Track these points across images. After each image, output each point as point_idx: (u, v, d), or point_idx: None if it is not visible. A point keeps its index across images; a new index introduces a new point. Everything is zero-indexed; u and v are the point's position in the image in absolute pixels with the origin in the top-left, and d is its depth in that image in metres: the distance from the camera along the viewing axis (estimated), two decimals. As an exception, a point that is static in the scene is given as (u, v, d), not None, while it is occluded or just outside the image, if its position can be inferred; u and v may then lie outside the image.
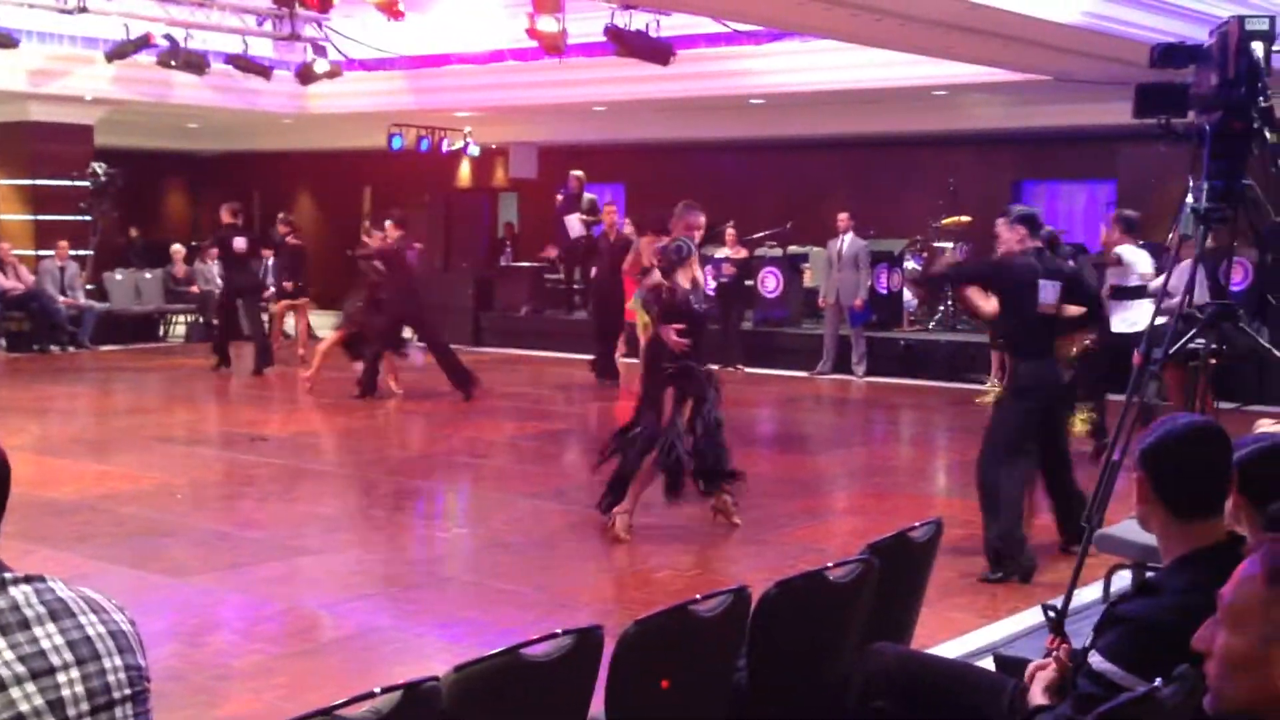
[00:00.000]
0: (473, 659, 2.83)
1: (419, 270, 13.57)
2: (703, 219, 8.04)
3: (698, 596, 3.23)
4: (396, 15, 14.05)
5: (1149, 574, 2.96)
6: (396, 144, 19.69)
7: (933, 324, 16.35)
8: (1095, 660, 2.73)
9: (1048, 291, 6.47)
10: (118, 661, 1.99)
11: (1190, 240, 4.50)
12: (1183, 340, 4.52)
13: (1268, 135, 4.35)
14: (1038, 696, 3.01)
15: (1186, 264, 5.08)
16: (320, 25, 16.96)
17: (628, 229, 14.89)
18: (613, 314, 14.66)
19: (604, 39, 13.28)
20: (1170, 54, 4.71)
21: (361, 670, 5.46)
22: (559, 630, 2.95)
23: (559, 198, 18.24)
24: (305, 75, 16.92)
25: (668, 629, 3.12)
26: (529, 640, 2.92)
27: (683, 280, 7.74)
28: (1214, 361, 4.63)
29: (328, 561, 7.18)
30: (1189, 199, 4.47)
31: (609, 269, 14.74)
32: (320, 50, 17.01)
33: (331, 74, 16.97)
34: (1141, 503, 2.85)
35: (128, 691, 2.00)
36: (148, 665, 2.05)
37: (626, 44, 13.26)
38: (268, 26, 16.39)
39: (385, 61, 18.07)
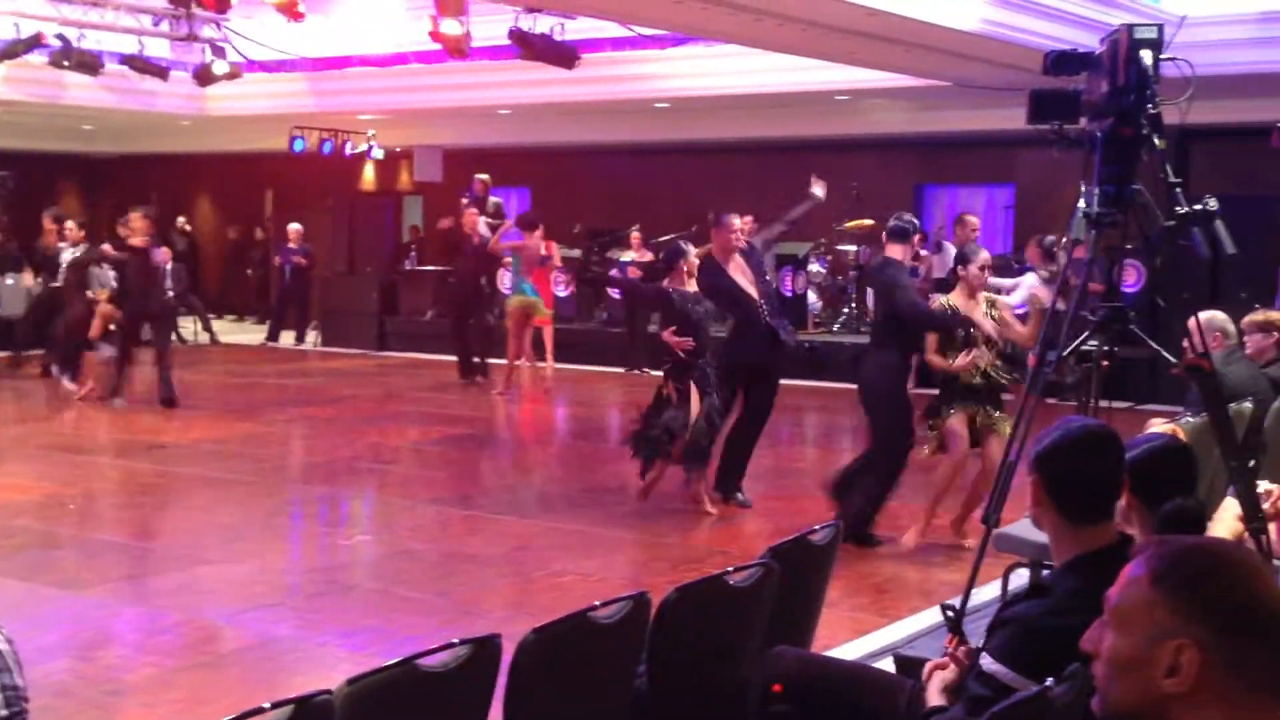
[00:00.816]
0: (367, 671, 2.78)
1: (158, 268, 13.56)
2: (735, 222, 8.67)
3: (597, 603, 3.21)
4: (297, 17, 13.85)
5: (1044, 574, 2.99)
6: (298, 146, 19.44)
7: (837, 326, 16.50)
8: (986, 662, 2.76)
9: None
10: (-6, 681, 1.93)
11: (1082, 244, 4.57)
12: (1076, 342, 4.60)
13: (1156, 141, 4.43)
14: (935, 697, 3.03)
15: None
16: (218, 26, 16.66)
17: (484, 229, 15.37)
18: (471, 314, 15.13)
19: (509, 42, 13.22)
20: (1063, 61, 4.78)
21: (261, 682, 5.36)
22: (455, 640, 2.91)
23: (464, 201, 18.13)
24: (203, 76, 16.61)
25: (567, 636, 3.10)
26: (425, 650, 2.88)
27: (687, 283, 8.28)
28: (1106, 364, 4.71)
29: (227, 571, 7.06)
30: (1080, 203, 4.54)
31: (470, 271, 15.11)
32: (219, 51, 16.70)
33: (231, 75, 16.68)
34: (1035, 505, 2.89)
35: (4, 713, 1.94)
36: (26, 685, 1.99)
37: (531, 47, 13.20)
38: (164, 27, 16.06)
39: (286, 63, 17.81)
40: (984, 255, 7.44)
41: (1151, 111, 4.42)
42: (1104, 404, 5.07)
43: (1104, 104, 4.53)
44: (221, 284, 24.11)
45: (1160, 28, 4.50)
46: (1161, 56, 4.48)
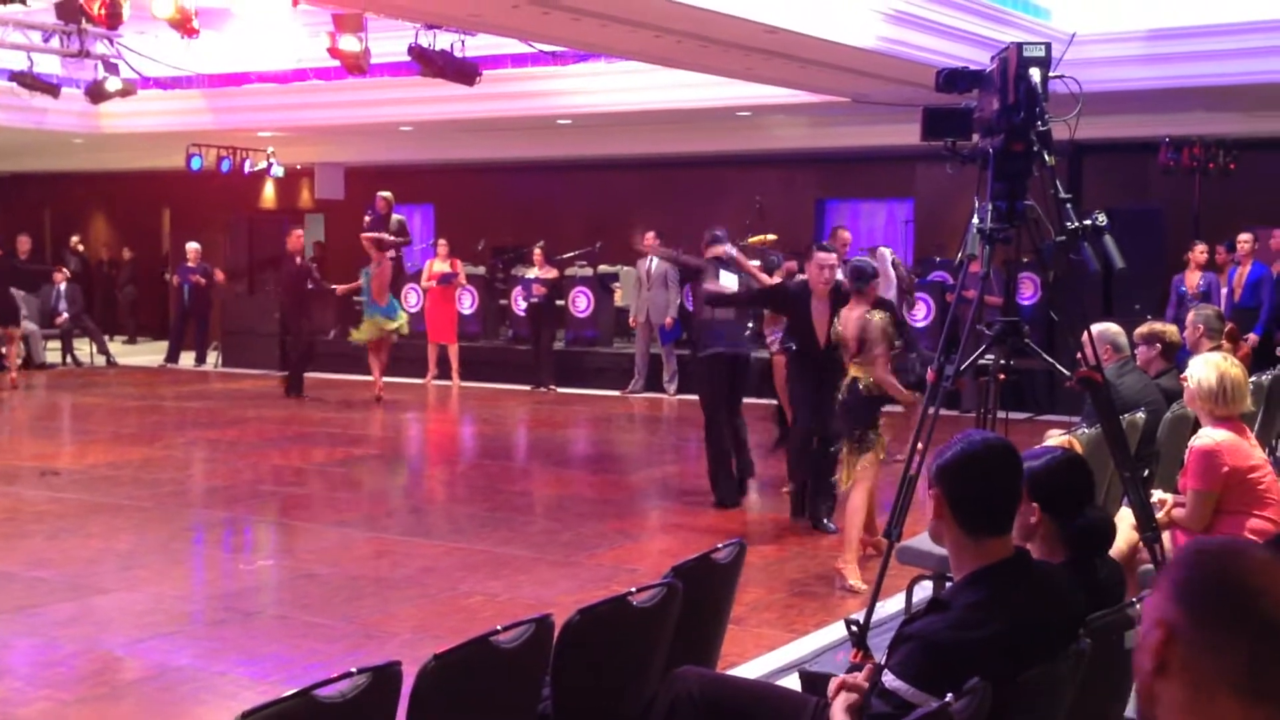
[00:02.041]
0: (262, 704, 2.72)
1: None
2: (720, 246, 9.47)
3: (498, 627, 3.18)
4: (191, 33, 13.61)
5: (944, 589, 3.03)
6: (196, 164, 19.12)
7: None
8: (887, 679, 2.78)
9: None
10: None
11: (976, 259, 4.64)
12: (974, 356, 4.66)
13: (1047, 158, 4.52)
14: (839, 716, 3.04)
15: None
16: (111, 42, 16.32)
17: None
18: (294, 332, 15.70)
19: (409, 59, 13.14)
20: (954, 79, 4.86)
21: (160, 714, 5.26)
22: (354, 669, 2.86)
23: (366, 219, 17.96)
24: (96, 93, 16.27)
25: (468, 662, 3.06)
26: (324, 680, 2.83)
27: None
28: (1003, 376, 4.78)
29: (124, 599, 6.90)
30: (974, 219, 4.61)
31: (290, 290, 15.66)
32: (112, 68, 16.37)
33: (125, 92, 16.35)
34: (937, 518, 2.91)
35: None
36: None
37: (431, 64, 13.12)
38: (55, 43, 15.71)
39: (182, 80, 17.52)
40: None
41: (1041, 128, 4.50)
42: (1003, 415, 5.15)
43: (995, 121, 4.61)
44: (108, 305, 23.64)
45: (1048, 46, 4.59)
46: (1050, 74, 4.57)
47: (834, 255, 8.03)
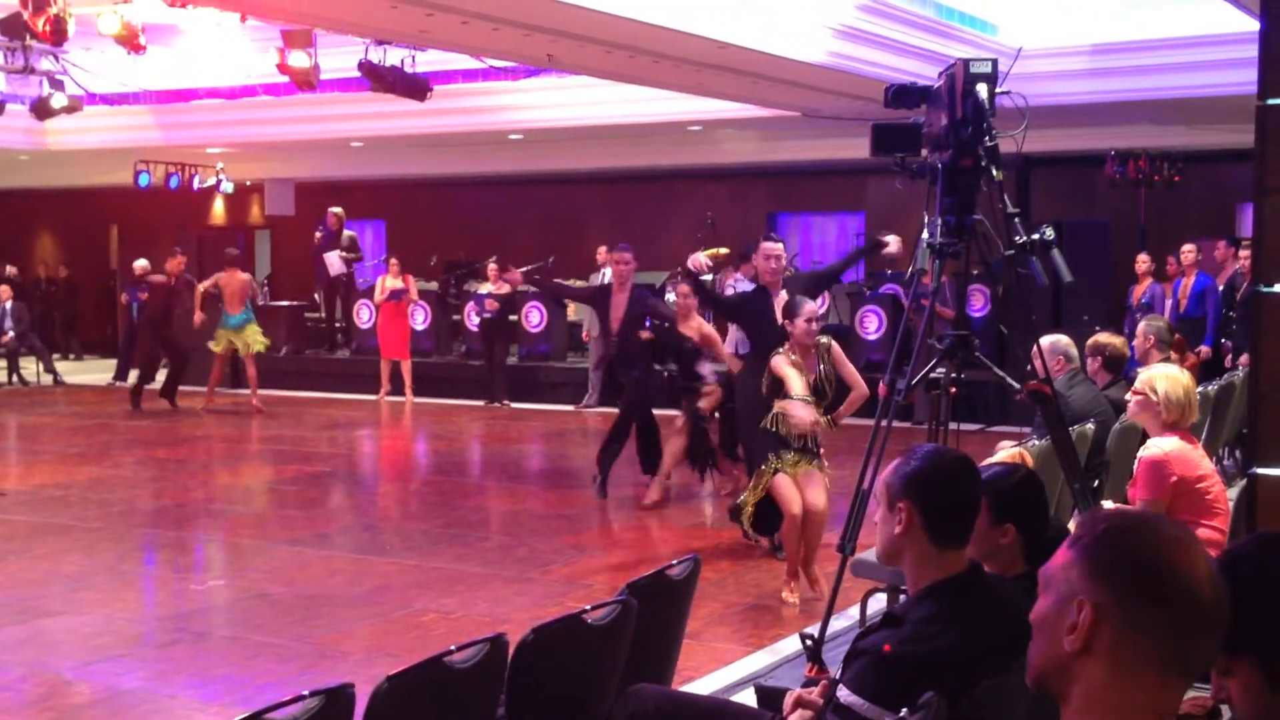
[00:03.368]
0: (216, 727, 2.70)
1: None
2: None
3: (452, 647, 3.16)
4: (138, 49, 13.50)
5: (898, 603, 3.03)
6: (144, 181, 18.93)
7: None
8: (843, 694, 2.79)
9: None
10: None
11: (926, 273, 4.67)
12: (925, 369, 4.69)
13: (995, 172, 4.56)
14: (795, 732, 3.04)
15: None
16: (56, 58, 16.17)
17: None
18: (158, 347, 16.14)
19: (359, 74, 13.08)
20: (903, 95, 4.90)
21: (108, 738, 5.19)
22: (306, 692, 2.84)
23: (318, 235, 17.88)
24: (41, 110, 16.08)
25: (422, 683, 3.04)
26: (275, 704, 2.80)
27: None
28: (954, 390, 4.82)
29: (72, 622, 6.81)
30: (924, 234, 4.65)
31: (160, 308, 15.95)
32: (57, 84, 16.19)
33: (70, 108, 16.17)
34: (902, 532, 2.87)
35: None
36: None
37: (382, 79, 13.08)
38: (-1, 59, 15.56)
39: (129, 96, 17.35)
40: (809, 307, 6.77)
41: (989, 144, 4.54)
42: (954, 427, 5.18)
43: (943, 136, 4.65)
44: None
45: (995, 62, 4.64)
46: (997, 90, 4.62)
47: (780, 245, 7.87)
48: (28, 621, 6.80)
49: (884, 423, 4.78)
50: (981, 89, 4.49)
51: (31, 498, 10.21)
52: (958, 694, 2.63)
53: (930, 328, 4.93)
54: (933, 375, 4.83)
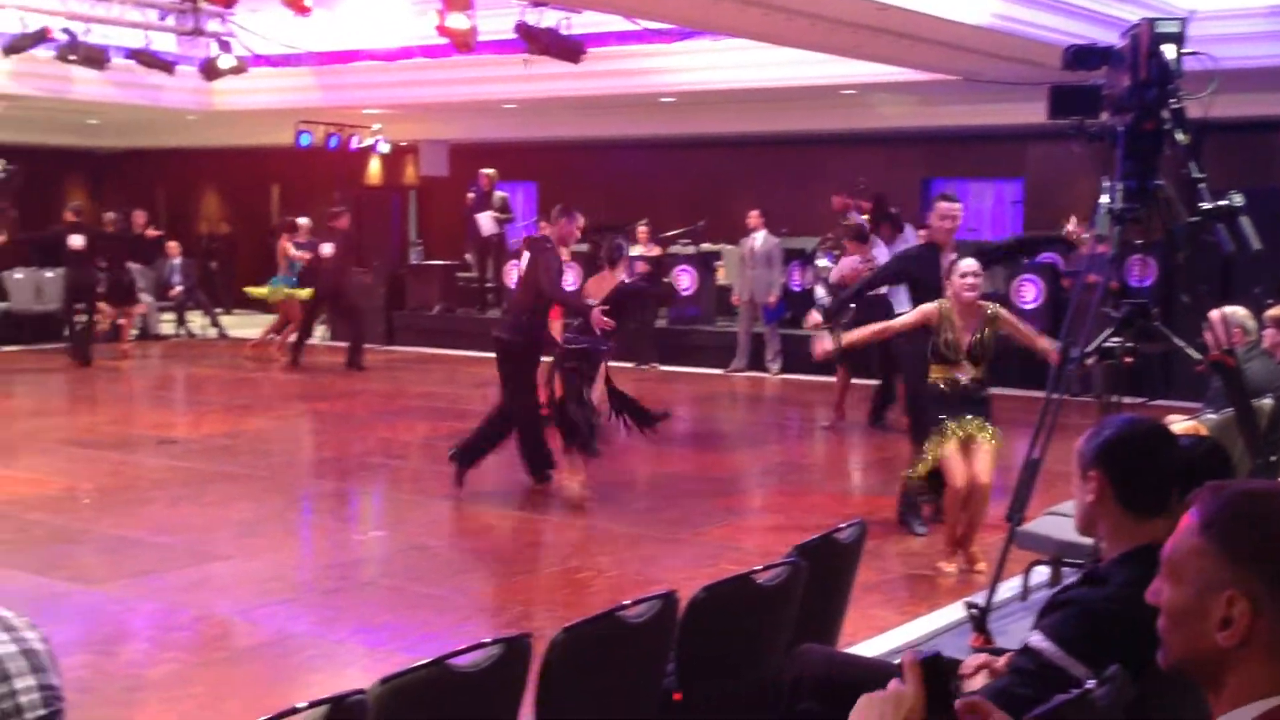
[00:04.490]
0: (399, 670, 2.77)
1: None
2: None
3: (626, 602, 3.20)
4: (303, 11, 13.82)
5: (1098, 565, 2.96)
6: (304, 141, 19.39)
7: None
8: (1034, 638, 2.77)
9: None
10: (31, 681, 1.92)
11: (1106, 239, 4.56)
12: (1101, 338, 4.58)
13: (1179, 136, 4.42)
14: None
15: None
16: (224, 20, 16.61)
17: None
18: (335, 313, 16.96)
19: (515, 36, 13.20)
20: (1082, 56, 4.77)
21: (279, 678, 5.37)
22: (487, 639, 2.90)
23: (470, 196, 18.12)
24: (210, 71, 16.59)
25: (596, 636, 3.09)
26: (456, 650, 2.87)
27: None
28: (1128, 360, 4.69)
29: (242, 567, 7.05)
30: (1103, 199, 4.52)
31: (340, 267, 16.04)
32: (225, 45, 16.67)
33: (237, 70, 16.65)
34: (1094, 501, 2.83)
35: (42, 712, 1.92)
36: (62, 684, 1.98)
37: (537, 41, 13.17)
38: (170, 21, 16.03)
39: (292, 57, 17.77)
40: (965, 263, 6.73)
41: (1174, 106, 4.40)
42: (1117, 400, 5.05)
43: (1126, 99, 4.52)
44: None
45: (1183, 22, 4.49)
46: (1184, 50, 4.47)
47: (958, 205, 7.86)
48: (199, 565, 7.06)
49: (1054, 394, 4.68)
50: (1168, 50, 4.35)
51: (201, 446, 10.58)
52: (1147, 665, 2.57)
53: (1106, 297, 4.80)
54: (1106, 345, 4.71)
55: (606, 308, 8.41)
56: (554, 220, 8.97)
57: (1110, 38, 5.14)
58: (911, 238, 11.99)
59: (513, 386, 8.86)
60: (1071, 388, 4.74)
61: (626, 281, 8.91)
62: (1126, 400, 5.34)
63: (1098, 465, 2.81)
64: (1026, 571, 5.65)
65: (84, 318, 16.12)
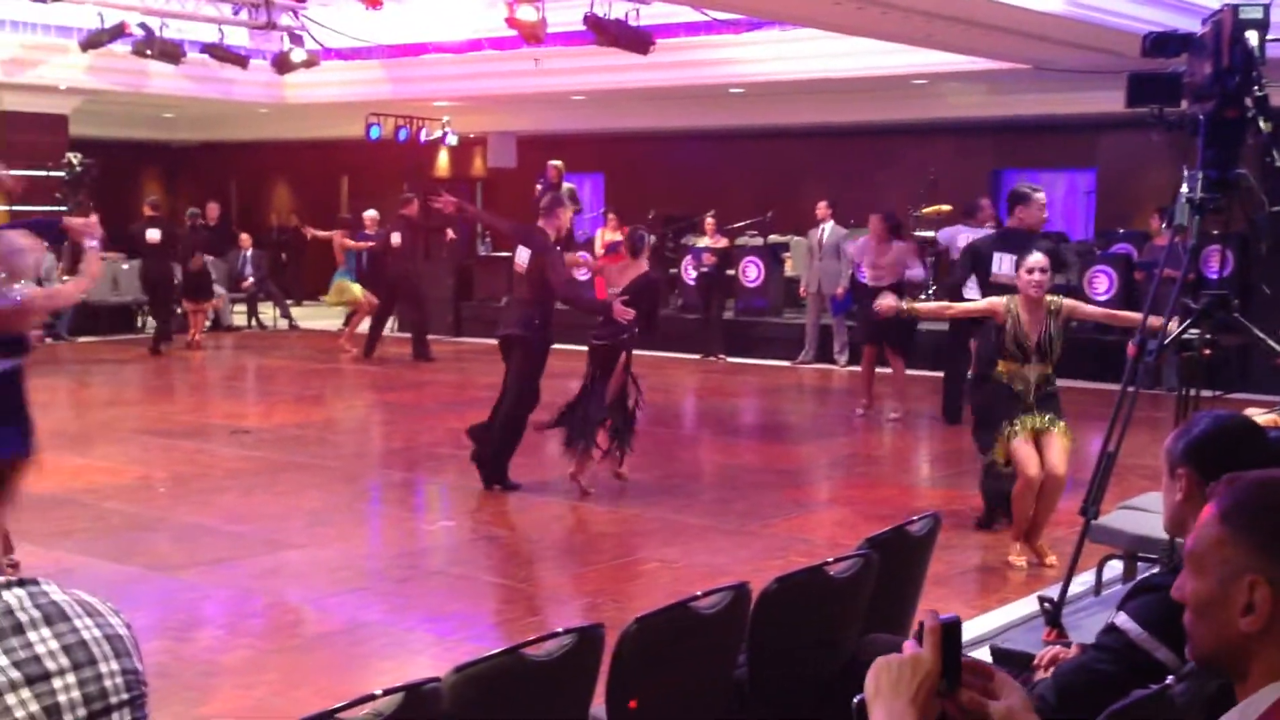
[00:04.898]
0: (472, 659, 2.78)
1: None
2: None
3: (698, 593, 3.19)
4: (374, 4, 13.96)
5: (1139, 566, 2.93)
6: (374, 134, 19.57)
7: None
8: (1120, 619, 2.77)
9: None
10: (114, 666, 1.94)
11: (1185, 230, 4.48)
12: (1179, 330, 4.51)
13: (1262, 124, 4.33)
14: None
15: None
16: (297, 14, 16.81)
17: None
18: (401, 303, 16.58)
19: (583, 28, 13.22)
20: (1162, 42, 4.69)
21: (350, 666, 5.42)
22: (559, 629, 2.91)
23: (538, 187, 18.17)
24: (282, 64, 16.79)
25: (668, 626, 3.09)
26: (530, 639, 2.89)
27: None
28: (1207, 352, 4.62)
29: (313, 555, 7.13)
30: (1184, 188, 4.45)
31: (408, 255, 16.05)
32: (297, 39, 16.87)
33: (308, 63, 16.84)
34: (1183, 499, 2.79)
35: (125, 696, 1.95)
36: (144, 669, 2.01)
37: (606, 33, 13.20)
38: (244, 15, 16.24)
39: (363, 51, 17.96)
40: (1033, 258, 6.64)
41: (1257, 94, 4.31)
42: (1192, 393, 4.97)
43: (1207, 86, 4.43)
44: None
45: (1267, 8, 4.40)
46: (1268, 37, 4.38)
47: (1042, 194, 8.12)
48: (272, 553, 7.15)
49: (1130, 387, 4.61)
50: (1251, 36, 4.26)
51: (272, 436, 10.71)
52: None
53: (1186, 287, 4.73)
54: (1185, 337, 4.63)
55: (626, 297, 8.42)
56: (546, 213, 8.82)
57: (1188, 24, 5.05)
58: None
59: (517, 383, 8.78)
60: (1144, 381, 4.67)
61: (649, 271, 8.81)
62: (1204, 394, 5.26)
63: (1187, 463, 2.76)
64: (1100, 566, 5.57)
65: (159, 310, 16.41)
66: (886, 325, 10.24)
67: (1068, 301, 6.83)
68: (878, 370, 11.79)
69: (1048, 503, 6.68)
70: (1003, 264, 7.67)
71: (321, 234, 18.18)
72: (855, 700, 1.65)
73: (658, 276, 9.46)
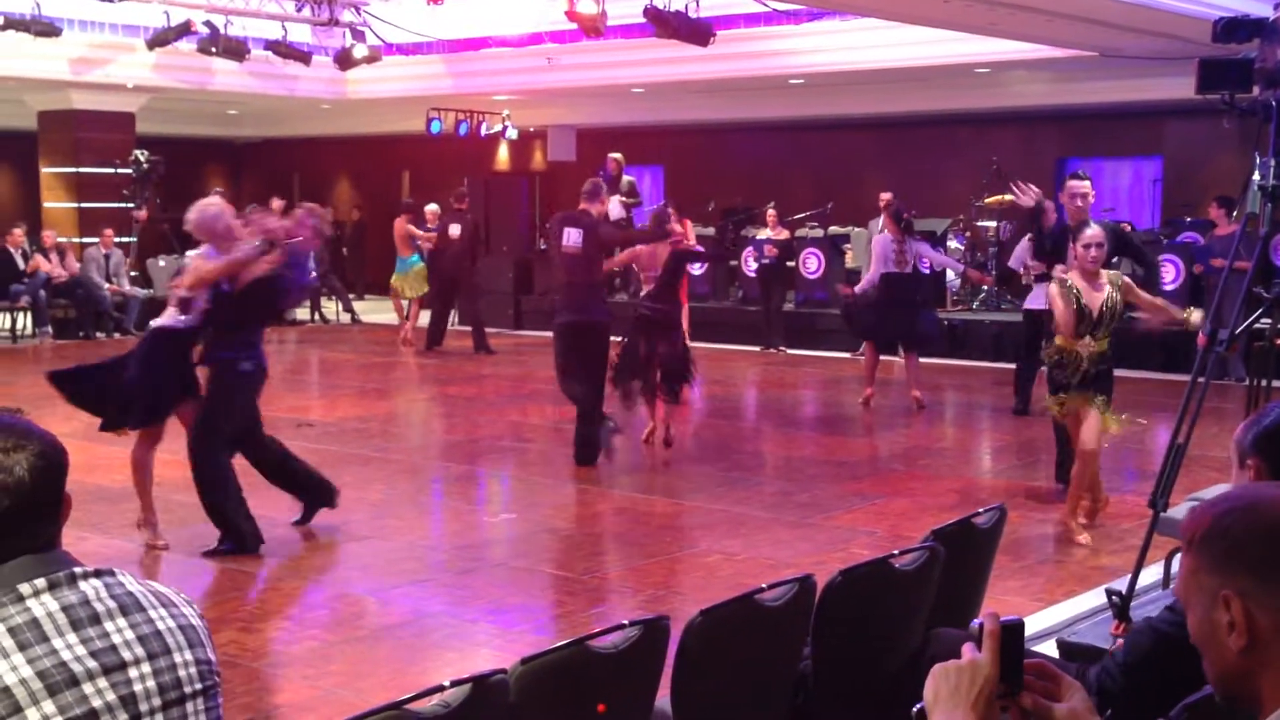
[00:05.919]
0: (539, 651, 2.79)
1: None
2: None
3: (763, 586, 3.19)
4: (435, 0, 14.03)
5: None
6: (435, 128, 19.67)
7: (976, 304, 16.21)
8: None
9: None
10: (188, 656, 1.97)
11: (1257, 218, 4.40)
12: (1250, 319, 4.44)
13: (1335, 110, 4.25)
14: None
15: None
16: (358, 10, 16.95)
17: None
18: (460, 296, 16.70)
19: (643, 20, 13.22)
20: (1233, 28, 4.61)
21: (415, 657, 5.46)
22: (624, 621, 2.91)
23: (599, 180, 18.19)
24: (344, 60, 16.93)
25: (733, 618, 3.08)
26: (596, 631, 2.89)
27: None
28: (1279, 341, 4.54)
29: (377, 547, 7.19)
30: (1255, 175, 4.38)
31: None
32: (359, 35, 17.01)
33: (370, 59, 16.97)
34: None
35: (199, 686, 1.98)
36: (217, 659, 2.03)
37: (666, 25, 13.17)
38: (306, 12, 16.40)
39: (423, 45, 18.06)
40: (1089, 233, 6.81)
41: (1331, 79, 4.24)
42: (1262, 384, 4.89)
43: (1279, 72, 4.36)
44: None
45: (1341, -8, 4.31)
46: (1342, 22, 4.30)
47: (1086, 182, 8.17)
48: (337, 545, 7.22)
49: (1200, 378, 4.54)
50: (1325, 20, 4.19)
51: (336, 429, 10.80)
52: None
53: (1258, 276, 4.65)
54: (1257, 326, 4.56)
55: (664, 277, 9.48)
56: (589, 197, 9.45)
57: (1260, 9, 4.96)
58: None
59: (585, 370, 9.21)
60: (1213, 371, 4.60)
61: (676, 241, 9.81)
62: (1275, 384, 5.18)
63: (1256, 454, 2.71)
64: (1169, 559, 5.49)
65: None
66: (891, 320, 10.56)
67: (1128, 279, 7.01)
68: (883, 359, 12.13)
69: (1080, 478, 6.82)
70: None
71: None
72: (915, 708, 1.64)
73: (688, 246, 10.40)
